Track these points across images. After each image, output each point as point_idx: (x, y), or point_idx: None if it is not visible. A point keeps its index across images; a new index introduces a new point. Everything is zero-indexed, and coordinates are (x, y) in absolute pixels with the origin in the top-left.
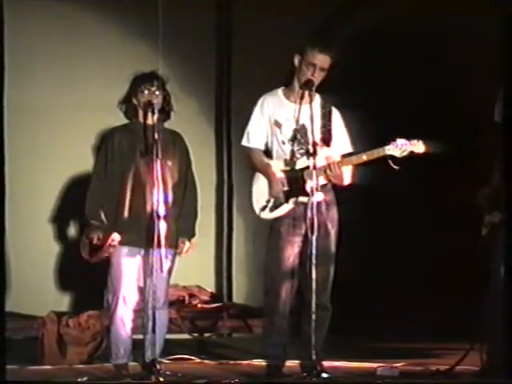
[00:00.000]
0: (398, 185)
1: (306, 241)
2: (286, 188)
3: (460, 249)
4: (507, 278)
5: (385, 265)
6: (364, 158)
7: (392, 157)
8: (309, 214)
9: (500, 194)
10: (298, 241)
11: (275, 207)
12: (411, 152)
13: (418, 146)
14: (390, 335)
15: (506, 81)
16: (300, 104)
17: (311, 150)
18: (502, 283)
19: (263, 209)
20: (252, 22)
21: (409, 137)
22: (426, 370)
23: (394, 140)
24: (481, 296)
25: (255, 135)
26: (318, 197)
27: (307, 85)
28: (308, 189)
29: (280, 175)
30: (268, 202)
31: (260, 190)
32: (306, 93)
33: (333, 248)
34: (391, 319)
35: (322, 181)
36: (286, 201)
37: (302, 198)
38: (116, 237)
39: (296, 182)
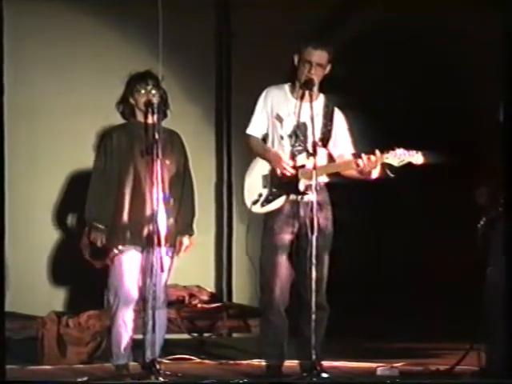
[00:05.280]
0: (397, 185)
1: (298, 239)
2: (286, 183)
3: (459, 248)
4: (507, 278)
5: (384, 265)
6: (360, 164)
7: (389, 165)
8: (301, 213)
9: (499, 193)
10: (291, 239)
11: (267, 202)
12: (409, 162)
13: (417, 158)
14: (389, 335)
15: (507, 81)
16: (304, 102)
17: (311, 149)
18: (501, 283)
19: (254, 203)
20: (252, 22)
21: (409, 137)
22: (425, 369)
23: (393, 149)
24: (481, 296)
25: (257, 125)
26: (312, 196)
27: (307, 84)
28: (301, 187)
29: (284, 157)
30: (260, 196)
31: (252, 184)
32: (307, 92)
33: (326, 247)
34: (391, 319)
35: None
36: (279, 196)
37: (295, 196)
38: (121, 247)
39: (291, 180)
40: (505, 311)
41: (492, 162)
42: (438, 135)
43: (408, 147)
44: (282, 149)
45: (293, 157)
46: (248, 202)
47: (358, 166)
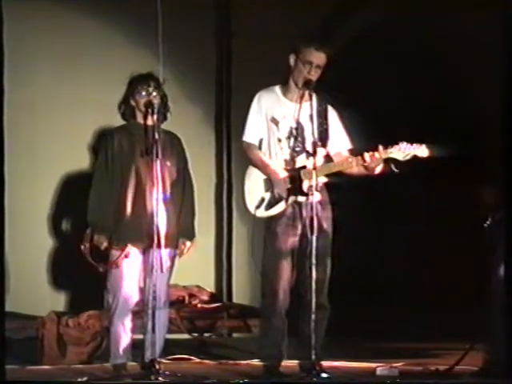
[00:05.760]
0: (399, 184)
1: (302, 240)
2: (288, 186)
3: (460, 248)
4: (507, 278)
5: (385, 265)
6: (367, 159)
7: (394, 160)
8: (304, 214)
9: (501, 194)
10: (294, 241)
11: (270, 206)
12: (414, 156)
13: (422, 150)
14: (390, 335)
15: (507, 81)
16: (300, 103)
17: (311, 149)
18: (502, 283)
19: (258, 207)
20: (252, 22)
21: (409, 137)
22: (425, 369)
23: (397, 143)
24: (481, 296)
25: (252, 131)
26: (316, 197)
27: (307, 85)
28: (305, 188)
29: (282, 173)
30: (263, 200)
31: (253, 187)
32: (303, 92)
33: (328, 247)
34: (391, 319)
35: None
36: (282, 200)
37: (299, 198)
38: (129, 249)
39: (292, 181)
40: (505, 311)
41: (494, 163)
42: (437, 135)
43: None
44: (281, 151)
45: (292, 158)
46: (250, 206)
47: (364, 161)
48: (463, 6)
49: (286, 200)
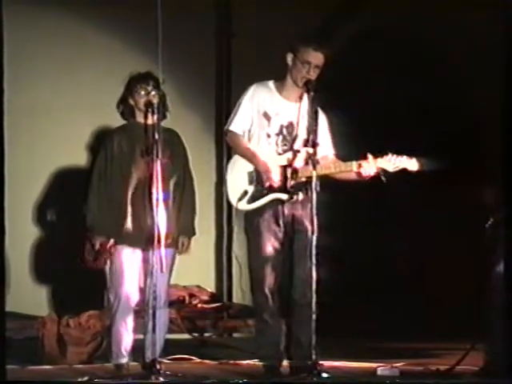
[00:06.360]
0: (398, 183)
1: (285, 239)
2: (272, 183)
3: (460, 248)
4: (507, 278)
5: (386, 265)
6: (354, 167)
7: (383, 170)
8: (286, 212)
9: (503, 194)
10: (278, 239)
11: (253, 199)
12: (404, 168)
13: (413, 164)
14: (390, 335)
15: (507, 81)
16: (299, 102)
17: (299, 149)
18: (502, 283)
19: (240, 199)
20: (252, 22)
21: (409, 137)
22: (426, 369)
23: (387, 154)
24: (481, 296)
25: (240, 122)
26: (300, 196)
27: (307, 85)
28: (289, 187)
29: (270, 164)
30: (246, 193)
31: (235, 180)
32: (297, 91)
33: (312, 246)
34: (392, 319)
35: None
36: (266, 194)
37: (283, 196)
38: (112, 242)
39: (277, 179)
40: (505, 311)
41: (494, 163)
42: (437, 135)
43: (407, 149)
44: (268, 147)
45: (279, 155)
46: (232, 199)
47: (360, 166)
48: (463, 6)
49: (270, 195)
